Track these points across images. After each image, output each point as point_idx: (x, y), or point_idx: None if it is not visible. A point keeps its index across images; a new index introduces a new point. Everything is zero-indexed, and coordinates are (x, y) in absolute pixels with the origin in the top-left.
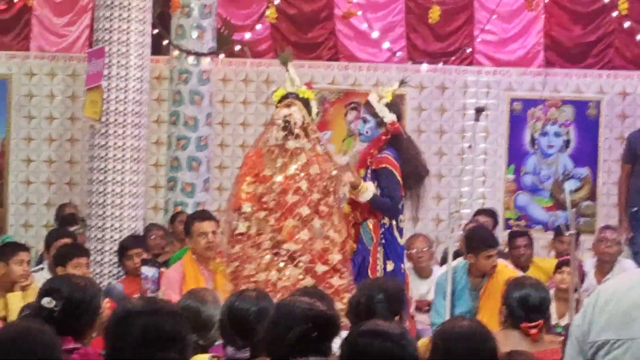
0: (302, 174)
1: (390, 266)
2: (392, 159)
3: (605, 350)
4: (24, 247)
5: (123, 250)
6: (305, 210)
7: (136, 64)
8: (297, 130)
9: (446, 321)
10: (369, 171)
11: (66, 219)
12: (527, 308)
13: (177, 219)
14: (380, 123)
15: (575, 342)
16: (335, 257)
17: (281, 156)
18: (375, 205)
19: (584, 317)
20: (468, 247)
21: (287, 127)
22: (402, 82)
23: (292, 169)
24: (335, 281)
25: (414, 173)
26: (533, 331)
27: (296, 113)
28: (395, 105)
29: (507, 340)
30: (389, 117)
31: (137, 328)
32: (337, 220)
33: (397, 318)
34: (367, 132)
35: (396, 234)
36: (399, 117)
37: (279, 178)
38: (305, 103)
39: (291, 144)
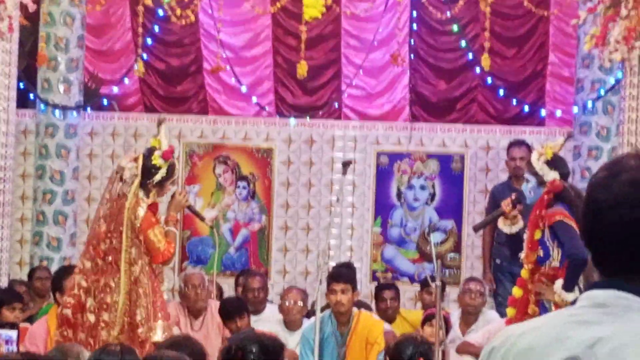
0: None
1: None
2: (564, 211)
3: None
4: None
5: (2, 303)
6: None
7: (1, 117)
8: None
9: None
10: (547, 232)
11: None
12: (407, 351)
13: (36, 275)
14: (541, 182)
15: None
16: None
17: None
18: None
19: None
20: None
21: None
22: (569, 136)
23: None
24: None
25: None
26: None
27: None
28: (558, 162)
29: None
30: (550, 175)
31: None
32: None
33: None
34: (530, 193)
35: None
36: (565, 174)
37: None
38: (152, 168)
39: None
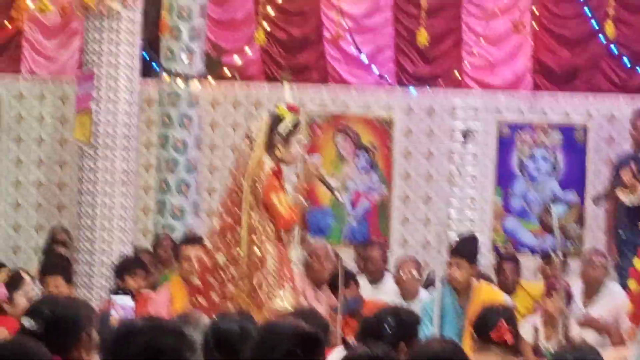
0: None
1: None
2: None
3: None
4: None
5: (125, 270)
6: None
7: (125, 86)
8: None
9: (421, 344)
10: None
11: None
12: (489, 318)
13: (160, 243)
14: None
15: None
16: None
17: None
18: None
19: None
20: None
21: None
22: None
23: None
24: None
25: None
26: (502, 331)
27: (254, 126)
28: None
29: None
30: None
31: (139, 346)
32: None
33: (402, 344)
34: None
35: None
36: None
37: None
38: (277, 120)
39: None
